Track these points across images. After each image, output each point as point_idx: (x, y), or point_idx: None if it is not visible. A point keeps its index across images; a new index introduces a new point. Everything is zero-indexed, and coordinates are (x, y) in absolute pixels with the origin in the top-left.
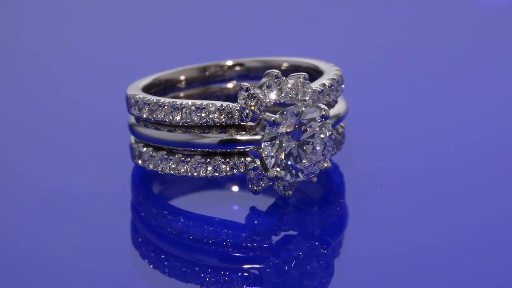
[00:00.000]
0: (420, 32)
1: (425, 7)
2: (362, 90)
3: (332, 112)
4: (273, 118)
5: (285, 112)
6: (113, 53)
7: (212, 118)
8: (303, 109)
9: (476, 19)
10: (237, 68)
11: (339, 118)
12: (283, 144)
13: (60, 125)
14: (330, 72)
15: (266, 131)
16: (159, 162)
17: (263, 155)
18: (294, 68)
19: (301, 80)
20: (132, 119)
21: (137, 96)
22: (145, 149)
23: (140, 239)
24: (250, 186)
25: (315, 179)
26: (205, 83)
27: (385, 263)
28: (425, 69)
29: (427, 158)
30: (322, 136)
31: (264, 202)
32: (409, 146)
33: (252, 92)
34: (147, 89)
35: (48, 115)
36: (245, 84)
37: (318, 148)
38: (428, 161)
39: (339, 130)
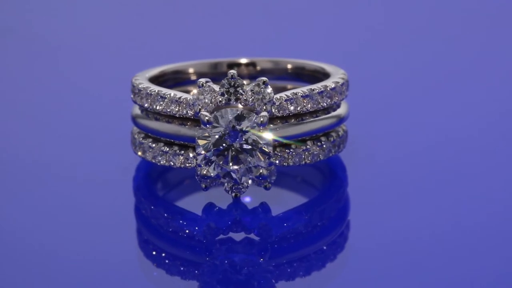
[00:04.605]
0: (420, 33)
1: (424, 7)
2: (366, 91)
3: (334, 113)
4: (206, 118)
5: (220, 113)
6: (122, 50)
7: (171, 109)
8: (240, 112)
9: (475, 19)
10: (250, 67)
11: (340, 119)
12: (215, 144)
13: (63, 123)
14: (335, 75)
15: (201, 129)
16: (138, 145)
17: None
18: (298, 70)
19: (259, 84)
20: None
21: (133, 80)
22: (132, 130)
23: (150, 246)
24: (198, 181)
25: (269, 185)
26: (215, 79)
27: (384, 259)
28: (425, 69)
29: (426, 157)
30: (257, 142)
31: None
32: (409, 145)
33: (205, 88)
34: (155, 78)
35: (51, 113)
36: (202, 80)
37: (250, 153)
38: (428, 160)
39: (343, 128)
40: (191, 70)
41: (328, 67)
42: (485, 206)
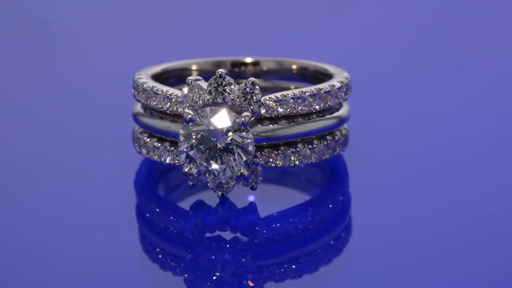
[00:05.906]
0: (420, 34)
1: (425, 8)
2: (367, 91)
3: (329, 116)
4: (189, 116)
5: (203, 112)
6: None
7: (163, 105)
8: (223, 111)
9: (475, 19)
10: (255, 66)
11: (341, 120)
12: (196, 142)
13: (64, 122)
14: (336, 78)
15: (183, 127)
16: (136, 140)
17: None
18: (302, 70)
19: (247, 84)
20: None
21: (135, 75)
22: (133, 126)
23: (151, 248)
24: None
25: (255, 185)
26: None
27: (383, 260)
28: (426, 69)
29: (427, 157)
30: (238, 142)
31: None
32: (410, 145)
33: (193, 86)
34: (157, 76)
35: (52, 111)
36: (191, 77)
37: (232, 152)
38: (428, 160)
39: (343, 132)
40: (194, 68)
41: (331, 69)
42: (485, 206)
